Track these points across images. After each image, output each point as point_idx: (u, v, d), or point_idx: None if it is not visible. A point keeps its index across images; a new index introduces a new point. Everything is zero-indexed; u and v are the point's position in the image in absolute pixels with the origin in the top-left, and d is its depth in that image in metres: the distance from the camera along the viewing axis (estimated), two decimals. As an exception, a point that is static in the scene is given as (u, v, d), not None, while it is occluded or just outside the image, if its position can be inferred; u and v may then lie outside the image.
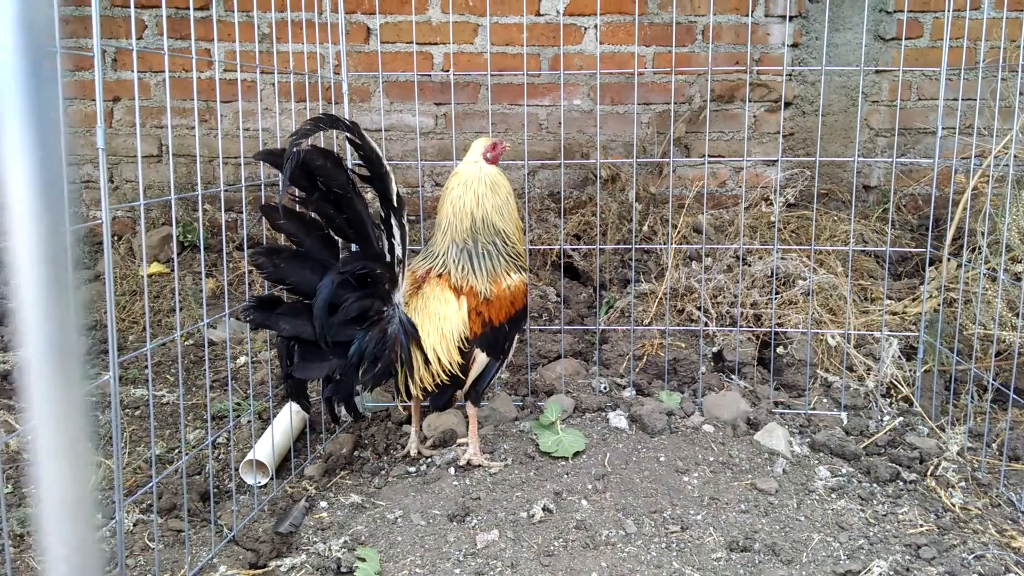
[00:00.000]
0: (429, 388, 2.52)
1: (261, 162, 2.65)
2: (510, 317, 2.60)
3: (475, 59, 4.36)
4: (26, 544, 2.24)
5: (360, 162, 2.35)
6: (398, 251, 2.39)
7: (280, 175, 2.07)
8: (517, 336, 2.70)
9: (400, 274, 2.44)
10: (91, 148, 4.41)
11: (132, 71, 4.41)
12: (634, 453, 2.67)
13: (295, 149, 2.07)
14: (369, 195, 2.44)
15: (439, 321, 2.49)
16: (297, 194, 2.24)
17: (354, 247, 2.38)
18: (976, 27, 4.04)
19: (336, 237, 2.33)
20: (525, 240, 3.59)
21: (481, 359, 2.56)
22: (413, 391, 2.51)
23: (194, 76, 1.98)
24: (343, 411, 2.44)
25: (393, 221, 2.36)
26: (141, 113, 4.46)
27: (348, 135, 2.29)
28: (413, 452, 2.74)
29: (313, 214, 2.26)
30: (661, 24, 4.30)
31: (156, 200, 1.91)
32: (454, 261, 2.56)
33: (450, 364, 2.49)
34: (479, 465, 2.61)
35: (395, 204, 2.36)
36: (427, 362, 2.47)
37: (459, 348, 2.50)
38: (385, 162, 2.35)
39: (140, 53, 4.30)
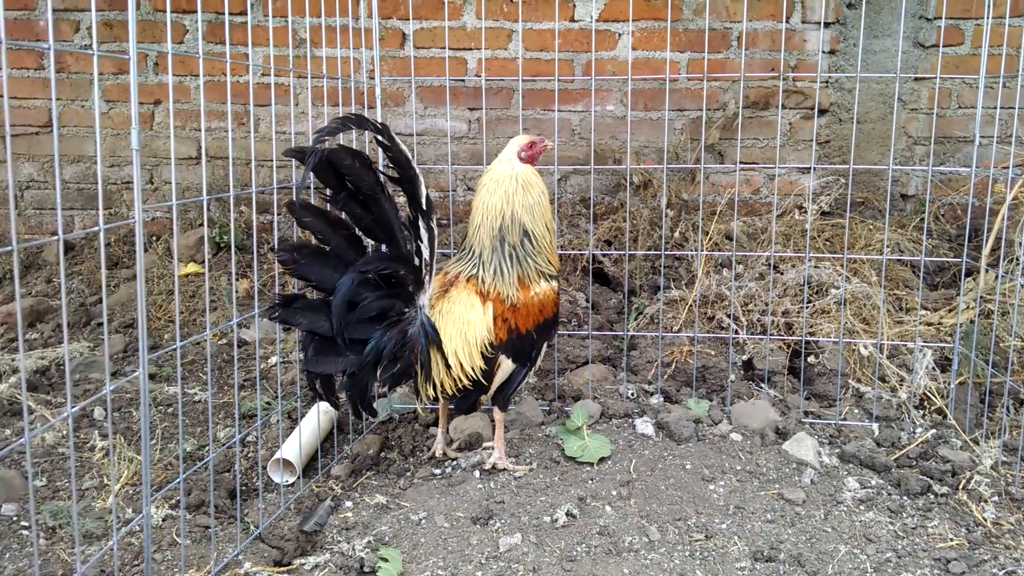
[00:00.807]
0: (450, 392, 2.52)
1: (294, 164, 2.68)
2: (538, 325, 2.58)
3: (508, 65, 4.38)
4: (58, 536, 2.29)
5: (390, 164, 2.37)
6: (425, 254, 2.40)
7: (305, 172, 2.10)
8: (546, 344, 2.69)
9: (427, 277, 2.44)
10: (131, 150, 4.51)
11: (173, 75, 4.50)
12: (660, 460, 2.66)
13: (318, 146, 2.09)
14: (401, 199, 2.46)
15: (463, 326, 2.49)
16: (326, 193, 2.26)
17: (382, 247, 2.40)
18: (1017, 34, 3.96)
19: (363, 237, 2.35)
20: (556, 245, 3.60)
21: (507, 366, 2.56)
22: (432, 394, 2.52)
23: (228, 80, 2.02)
24: (363, 408, 2.45)
25: (421, 224, 2.38)
26: (182, 116, 4.55)
27: (377, 136, 2.30)
28: (439, 454, 2.75)
29: (341, 213, 2.28)
30: (696, 30, 4.29)
31: (189, 201, 1.94)
32: (484, 262, 2.56)
33: (472, 370, 2.49)
34: (504, 469, 2.62)
35: (424, 207, 2.37)
36: (448, 366, 2.48)
37: (483, 354, 2.50)
38: (415, 164, 2.36)
39: (182, 57, 4.39)
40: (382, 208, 2.30)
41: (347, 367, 2.33)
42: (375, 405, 3.02)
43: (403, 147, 2.34)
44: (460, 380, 2.50)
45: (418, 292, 2.44)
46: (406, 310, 2.41)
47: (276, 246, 2.26)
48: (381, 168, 2.34)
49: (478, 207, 2.58)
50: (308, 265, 2.26)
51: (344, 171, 2.23)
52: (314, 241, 2.29)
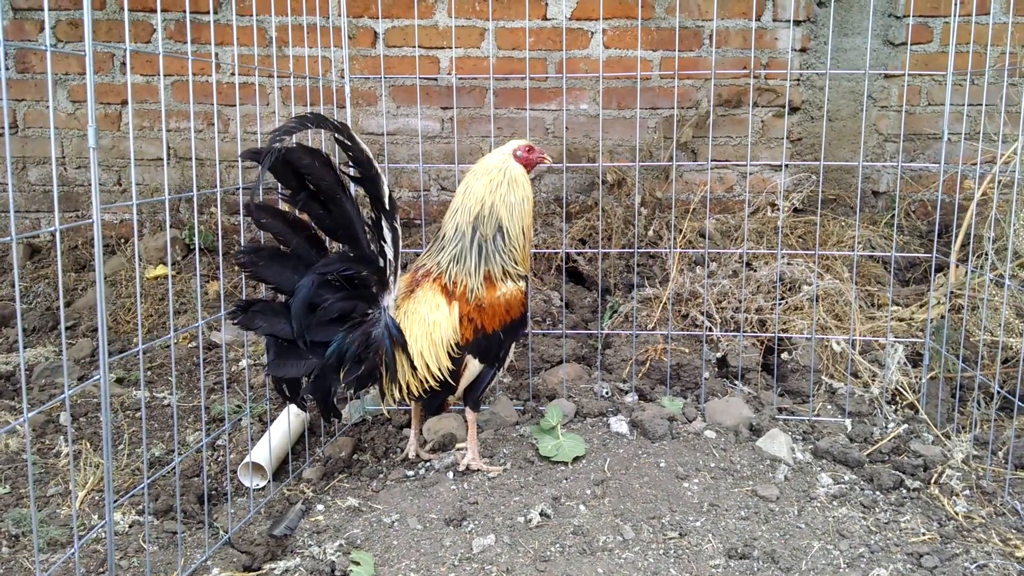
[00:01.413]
0: (416, 393, 2.49)
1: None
2: (505, 325, 2.55)
3: (481, 63, 4.36)
4: (21, 544, 2.24)
5: (351, 163, 2.33)
6: (389, 254, 2.36)
7: (261, 172, 2.06)
8: (513, 344, 2.67)
9: (392, 277, 2.41)
10: (103, 151, 4.44)
11: (140, 74, 4.44)
12: (634, 459, 2.65)
13: (274, 146, 2.05)
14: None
15: (428, 327, 2.46)
16: (284, 192, 2.22)
17: (345, 248, 2.36)
18: (984, 32, 4.00)
19: (326, 238, 2.31)
20: (530, 249, 3.58)
21: (473, 366, 2.54)
22: (398, 395, 2.48)
23: (190, 79, 1.98)
24: (327, 411, 2.42)
25: (384, 224, 2.34)
26: (150, 116, 4.48)
27: (337, 135, 2.26)
28: (412, 455, 2.72)
29: (302, 214, 2.24)
30: (668, 28, 4.29)
31: (150, 200, 1.90)
32: (453, 250, 2.52)
33: (439, 370, 2.47)
34: (478, 470, 2.60)
35: (387, 207, 2.34)
36: (414, 368, 2.45)
37: (449, 354, 2.48)
38: (376, 164, 2.32)
39: (149, 57, 4.33)
40: (343, 208, 2.26)
41: (309, 370, 2.29)
42: (343, 408, 2.99)
43: (364, 147, 2.30)
44: (427, 381, 2.47)
45: (382, 293, 2.40)
46: (369, 311, 2.37)
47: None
48: (342, 168, 2.29)
49: (461, 192, 2.56)
50: (267, 267, 2.21)
51: (303, 170, 2.18)
52: (275, 243, 2.24)
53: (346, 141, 2.27)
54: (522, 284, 2.60)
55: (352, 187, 2.34)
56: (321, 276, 2.22)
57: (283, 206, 2.24)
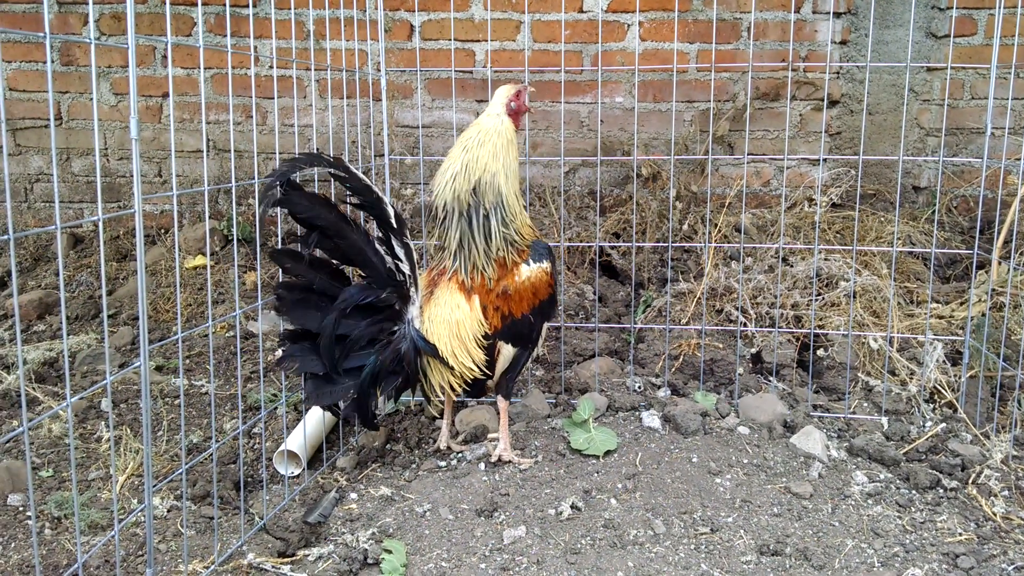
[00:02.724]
0: (457, 388, 2.54)
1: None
2: (534, 308, 2.56)
3: (517, 56, 4.36)
4: (63, 527, 2.29)
5: (351, 194, 2.40)
6: (405, 268, 2.44)
7: (259, 216, 2.18)
8: (546, 325, 2.68)
9: (412, 288, 2.48)
10: (144, 143, 4.52)
11: (181, 67, 4.50)
12: (666, 453, 2.64)
13: (270, 192, 2.13)
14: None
15: (454, 327, 2.49)
16: (297, 235, 2.33)
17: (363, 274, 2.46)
18: (1032, 23, 3.91)
19: (345, 268, 2.43)
20: (562, 240, 3.57)
21: (507, 350, 2.56)
22: (441, 394, 2.56)
23: (229, 71, 2.01)
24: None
25: (395, 242, 2.41)
26: (190, 109, 4.55)
27: (332, 171, 2.35)
28: (443, 446, 2.74)
29: (319, 252, 2.35)
30: (705, 21, 4.25)
31: (189, 191, 1.94)
32: (455, 241, 2.52)
33: (473, 363, 2.50)
34: (509, 461, 2.61)
35: (394, 225, 2.41)
36: (450, 367, 2.50)
37: (479, 345, 2.50)
38: (375, 188, 2.40)
39: (190, 50, 4.39)
40: (350, 240, 2.35)
41: (347, 392, 2.39)
42: (383, 398, 3.03)
43: (360, 176, 2.38)
44: (464, 375, 2.51)
45: (405, 307, 2.48)
46: (395, 329, 2.46)
47: (272, 251, 2.32)
48: (343, 199, 2.42)
49: (457, 157, 2.52)
50: (293, 311, 2.34)
51: (303, 215, 2.28)
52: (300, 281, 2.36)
53: (342, 174, 2.35)
54: (545, 265, 2.58)
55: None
56: (342, 312, 2.33)
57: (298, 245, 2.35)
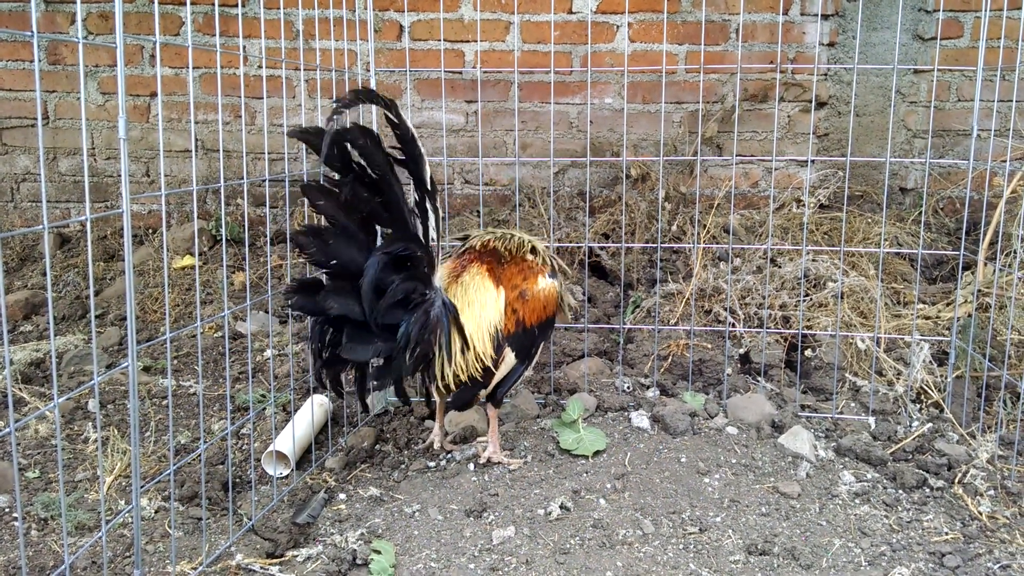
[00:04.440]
0: (462, 377, 2.45)
1: (287, 158, 2.66)
2: (541, 321, 2.59)
3: (506, 57, 4.36)
4: (49, 528, 2.28)
5: (397, 143, 2.30)
6: (432, 234, 2.37)
7: (324, 151, 2.06)
8: (543, 345, 2.69)
9: (437, 258, 2.43)
10: (132, 142, 4.50)
11: (169, 67, 4.48)
12: (655, 453, 2.65)
13: (333, 125, 2.04)
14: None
15: (479, 308, 2.48)
16: (333, 177, 2.20)
17: (387, 232, 2.33)
18: (1016, 27, 3.94)
19: (371, 221, 2.29)
20: (552, 240, 3.58)
21: (510, 359, 2.54)
22: (444, 382, 2.46)
23: (218, 72, 2.00)
24: (376, 399, 2.43)
25: (428, 205, 2.34)
26: (178, 108, 4.53)
27: (386, 112, 2.24)
28: (436, 446, 2.74)
29: (347, 197, 2.20)
30: (694, 22, 4.27)
31: (178, 191, 1.93)
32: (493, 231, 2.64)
33: (484, 355, 2.46)
34: (499, 462, 2.61)
35: (428, 187, 2.33)
36: (464, 349, 2.42)
37: (493, 342, 2.48)
38: (420, 143, 2.31)
39: (178, 49, 4.37)
40: (392, 190, 2.22)
41: (379, 353, 2.28)
42: (372, 399, 3.02)
43: (410, 125, 2.28)
44: (473, 363, 2.45)
45: (432, 274, 2.40)
46: (427, 292, 2.35)
47: (290, 233, 2.17)
48: (389, 148, 2.28)
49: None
50: (334, 246, 2.17)
51: (359, 150, 2.16)
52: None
53: (394, 118, 2.25)
54: (557, 283, 2.64)
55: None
56: (387, 256, 2.20)
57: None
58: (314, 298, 2.20)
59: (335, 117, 2.08)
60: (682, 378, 3.18)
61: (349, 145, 2.16)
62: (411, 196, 2.36)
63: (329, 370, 2.34)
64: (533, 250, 2.65)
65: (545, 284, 2.60)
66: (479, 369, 2.47)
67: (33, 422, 2.80)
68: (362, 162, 2.20)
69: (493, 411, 2.64)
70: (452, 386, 2.50)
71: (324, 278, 2.27)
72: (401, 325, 2.28)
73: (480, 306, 2.49)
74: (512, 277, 2.58)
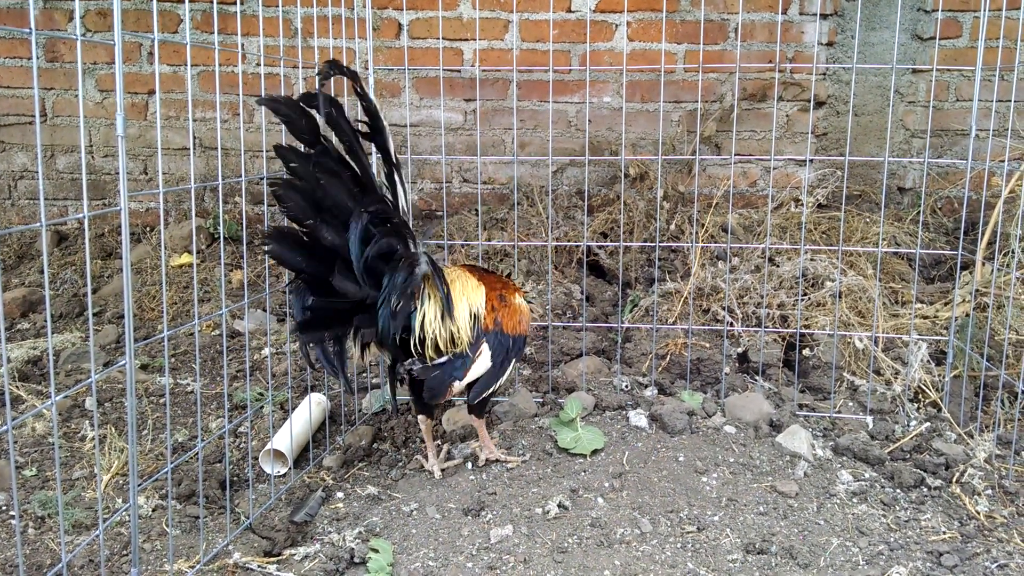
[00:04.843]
0: (443, 346, 2.40)
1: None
2: (515, 334, 2.56)
3: (505, 55, 4.36)
4: (47, 526, 2.28)
5: (362, 116, 2.31)
6: (403, 205, 2.37)
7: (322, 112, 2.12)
8: (511, 366, 2.59)
9: (408, 230, 2.40)
10: (130, 140, 4.49)
11: (167, 64, 4.48)
12: (653, 452, 2.65)
13: (323, 91, 2.11)
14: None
15: (461, 288, 2.49)
16: (296, 150, 2.19)
17: None
18: (1015, 27, 3.94)
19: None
20: (550, 239, 3.58)
21: (485, 357, 2.46)
22: (424, 348, 2.40)
23: (216, 70, 2.00)
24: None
25: (396, 177, 2.35)
26: (176, 106, 4.52)
27: (353, 83, 2.27)
28: (436, 473, 2.60)
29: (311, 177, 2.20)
30: (693, 21, 4.26)
31: (175, 189, 1.92)
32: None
33: (463, 331, 2.42)
34: (496, 460, 2.61)
35: (394, 160, 2.34)
36: (445, 315, 2.39)
37: (471, 324, 2.46)
38: (382, 116, 2.32)
39: (176, 47, 4.37)
40: (360, 160, 2.24)
41: (364, 297, 2.25)
42: (369, 398, 3.02)
43: (372, 98, 2.31)
44: (457, 335, 2.41)
45: (411, 240, 2.36)
46: (413, 251, 2.33)
47: (278, 146, 2.19)
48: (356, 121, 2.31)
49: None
50: (328, 188, 2.19)
51: (325, 119, 2.17)
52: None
53: (358, 89, 2.28)
54: (532, 306, 2.69)
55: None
56: (369, 214, 2.21)
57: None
58: (291, 244, 2.20)
59: (324, 82, 2.12)
60: (680, 377, 3.18)
61: (315, 112, 2.16)
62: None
63: (310, 333, 2.27)
64: (509, 276, 2.68)
65: (521, 301, 2.64)
66: (460, 341, 2.42)
67: (30, 420, 2.80)
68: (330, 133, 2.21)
69: (479, 422, 2.62)
70: (432, 354, 2.40)
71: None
72: (385, 275, 2.27)
73: (463, 288, 2.50)
74: (493, 283, 2.62)
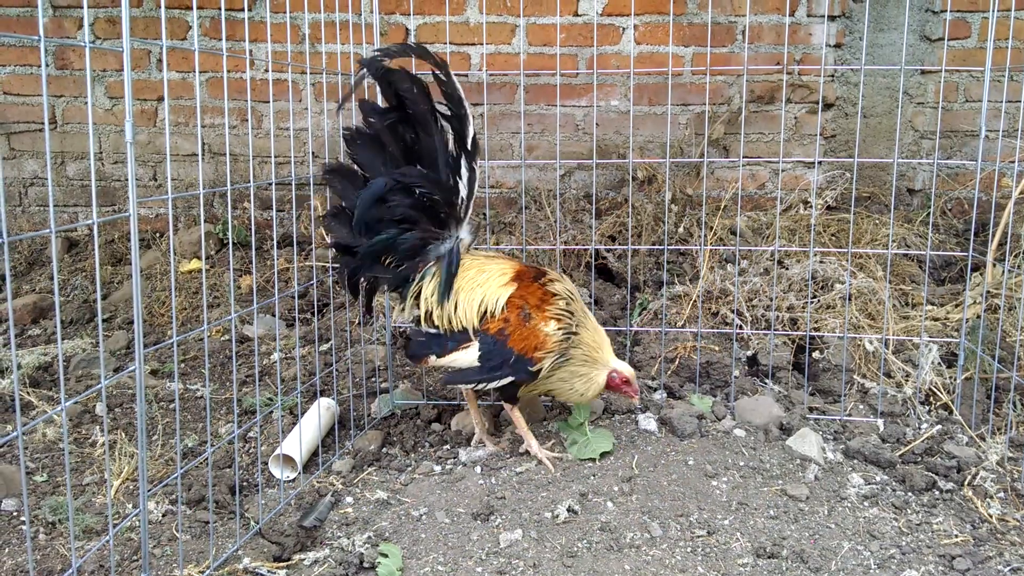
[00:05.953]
0: (437, 322, 2.56)
1: (292, 162, 2.67)
2: (519, 353, 2.49)
3: (512, 59, 4.36)
4: (57, 532, 2.28)
5: (443, 100, 2.44)
6: (463, 192, 2.47)
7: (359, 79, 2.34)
8: (511, 378, 2.53)
9: (463, 212, 2.53)
10: (139, 146, 4.51)
11: (176, 71, 4.49)
12: (662, 456, 2.64)
13: (375, 63, 2.27)
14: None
15: (485, 282, 2.53)
16: (377, 109, 2.42)
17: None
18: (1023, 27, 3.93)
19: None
20: (558, 242, 3.58)
21: (471, 352, 2.50)
22: (415, 311, 2.59)
23: (224, 76, 2.01)
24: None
25: (463, 162, 2.45)
26: (185, 112, 4.54)
27: (435, 71, 2.41)
28: (489, 444, 2.74)
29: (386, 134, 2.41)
30: (700, 24, 4.26)
31: (184, 195, 1.93)
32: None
33: (463, 316, 2.52)
34: (535, 455, 2.63)
35: (468, 147, 2.44)
36: (440, 299, 2.52)
37: (475, 318, 2.50)
38: (466, 104, 2.43)
39: (185, 53, 4.38)
40: (431, 137, 2.40)
41: (354, 245, 2.45)
42: (378, 402, 3.02)
43: (458, 86, 2.43)
44: (451, 319, 2.53)
45: (451, 224, 2.51)
46: (440, 232, 2.50)
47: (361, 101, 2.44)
48: (437, 102, 2.46)
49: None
50: (362, 149, 2.43)
51: (402, 94, 2.34)
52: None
53: (443, 77, 2.42)
54: (557, 339, 2.52)
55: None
56: (395, 181, 2.39)
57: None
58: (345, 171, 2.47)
59: (386, 57, 2.30)
60: (689, 380, 3.17)
61: (392, 83, 2.36)
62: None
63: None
64: (568, 305, 2.57)
65: (549, 329, 2.50)
66: (454, 324, 2.52)
67: (41, 426, 2.81)
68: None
69: (510, 407, 2.66)
70: (427, 322, 2.58)
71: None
72: (381, 233, 2.46)
73: (485, 282, 2.53)
74: (529, 296, 2.54)
